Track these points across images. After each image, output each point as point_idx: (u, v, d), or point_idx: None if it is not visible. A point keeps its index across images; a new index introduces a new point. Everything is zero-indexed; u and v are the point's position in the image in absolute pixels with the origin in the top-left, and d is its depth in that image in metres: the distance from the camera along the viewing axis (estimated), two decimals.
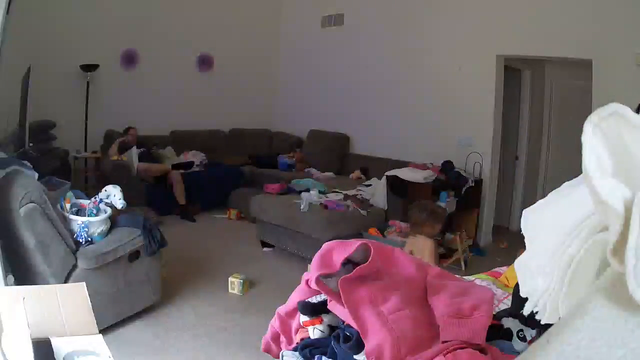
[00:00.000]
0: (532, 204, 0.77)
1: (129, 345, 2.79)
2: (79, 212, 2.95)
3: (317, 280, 1.38)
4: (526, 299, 0.71)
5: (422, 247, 3.29)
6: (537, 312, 0.69)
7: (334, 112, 6.76)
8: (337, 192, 4.88)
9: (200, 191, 5.73)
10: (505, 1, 4.96)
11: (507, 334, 1.36)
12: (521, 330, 1.35)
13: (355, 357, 1.31)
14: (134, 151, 5.53)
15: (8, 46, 2.93)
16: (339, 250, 1.44)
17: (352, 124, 6.55)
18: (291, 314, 1.55)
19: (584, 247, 0.57)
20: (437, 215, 3.43)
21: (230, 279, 3.66)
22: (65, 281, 2.63)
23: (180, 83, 6.71)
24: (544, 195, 0.76)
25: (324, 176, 6.03)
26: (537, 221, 0.73)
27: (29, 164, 3.18)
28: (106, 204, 3.08)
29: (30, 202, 2.56)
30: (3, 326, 1.32)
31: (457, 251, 4.52)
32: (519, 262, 0.76)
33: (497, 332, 1.36)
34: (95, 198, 3.06)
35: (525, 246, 0.74)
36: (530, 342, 1.32)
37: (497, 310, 1.59)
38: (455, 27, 5.36)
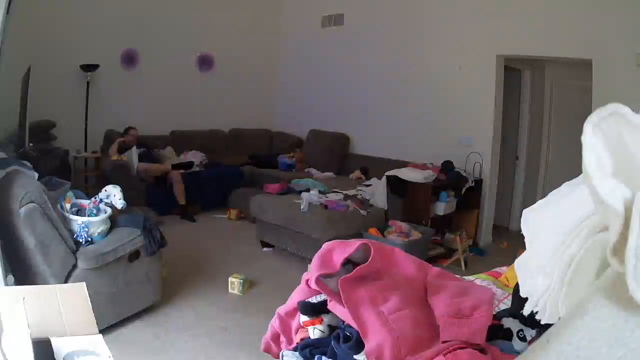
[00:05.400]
0: (532, 204, 0.77)
1: (129, 345, 2.79)
2: (79, 212, 2.95)
3: (317, 280, 1.38)
4: (526, 299, 0.71)
5: None
6: (537, 312, 0.69)
7: (334, 112, 6.76)
8: (337, 192, 4.88)
9: (200, 191, 5.73)
10: (505, 1, 4.96)
11: (507, 334, 1.36)
12: (521, 330, 1.35)
13: (355, 357, 1.31)
14: (134, 151, 5.54)
15: (8, 46, 2.93)
16: (339, 251, 1.44)
17: (352, 124, 6.54)
18: (291, 314, 1.55)
19: (584, 247, 0.57)
20: None
21: (230, 279, 3.66)
22: (65, 281, 2.63)
23: (180, 83, 6.71)
24: (544, 195, 0.76)
25: (324, 176, 6.02)
26: (537, 221, 0.73)
27: (29, 164, 3.18)
28: (106, 204, 3.08)
29: (30, 202, 2.56)
30: (3, 326, 1.32)
31: (457, 251, 4.52)
32: (519, 262, 0.76)
33: (497, 332, 1.36)
34: (95, 198, 3.06)
35: (525, 246, 0.74)
36: (530, 342, 1.31)
37: (497, 310, 1.59)
38: (455, 27, 5.36)
